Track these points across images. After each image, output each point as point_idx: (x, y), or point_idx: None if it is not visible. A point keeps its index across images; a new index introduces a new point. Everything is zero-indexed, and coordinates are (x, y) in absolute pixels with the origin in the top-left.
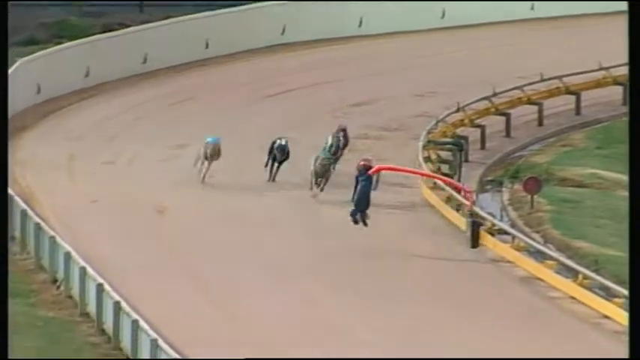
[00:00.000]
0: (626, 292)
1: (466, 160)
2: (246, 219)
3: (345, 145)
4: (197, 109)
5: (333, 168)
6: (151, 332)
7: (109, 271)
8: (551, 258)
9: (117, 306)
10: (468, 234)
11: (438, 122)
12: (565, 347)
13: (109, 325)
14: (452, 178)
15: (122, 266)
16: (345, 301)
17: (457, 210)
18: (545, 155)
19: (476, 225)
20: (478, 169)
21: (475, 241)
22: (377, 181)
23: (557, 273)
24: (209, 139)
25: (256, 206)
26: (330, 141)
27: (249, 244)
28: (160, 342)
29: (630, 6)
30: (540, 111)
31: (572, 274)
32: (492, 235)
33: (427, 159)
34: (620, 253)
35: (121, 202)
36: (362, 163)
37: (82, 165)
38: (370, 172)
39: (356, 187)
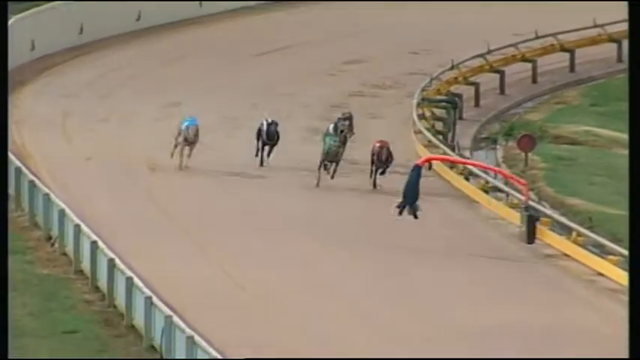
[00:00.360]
0: (620, 249)
1: (460, 118)
2: (239, 176)
3: (350, 131)
4: (191, 66)
5: (342, 153)
6: (145, 290)
7: (104, 229)
8: (546, 215)
9: (111, 263)
10: (524, 229)
11: (432, 80)
12: (558, 305)
13: (103, 282)
14: (446, 135)
15: (116, 224)
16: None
17: (451, 168)
18: (540, 113)
19: (532, 220)
20: (472, 127)
21: (531, 237)
22: (430, 168)
23: (551, 230)
24: (185, 122)
25: (251, 164)
26: (333, 126)
27: (243, 202)
28: (155, 299)
29: (630, 6)
30: (534, 68)
31: (566, 231)
32: (486, 192)
33: (421, 117)
34: (615, 210)
35: (115, 160)
36: (378, 145)
37: (77, 122)
38: (419, 162)
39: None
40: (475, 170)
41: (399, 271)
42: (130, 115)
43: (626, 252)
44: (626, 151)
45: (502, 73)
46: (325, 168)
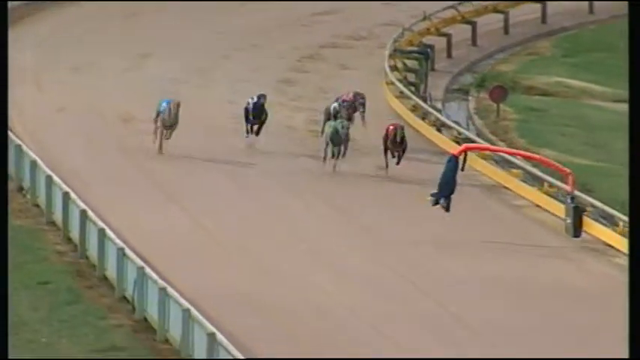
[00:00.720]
0: (590, 199)
1: (432, 69)
2: (213, 127)
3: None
4: (152, 20)
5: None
6: (117, 241)
7: (75, 180)
8: (517, 166)
9: (83, 214)
10: (569, 221)
11: (404, 31)
12: (530, 255)
13: (75, 233)
14: (418, 87)
15: (88, 175)
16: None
17: (423, 119)
18: (511, 64)
19: (578, 211)
20: (444, 78)
21: (578, 230)
22: (464, 162)
23: (523, 181)
24: (163, 103)
25: (223, 113)
26: (337, 108)
27: (214, 153)
28: (127, 251)
29: (630, 6)
30: (506, 20)
31: (537, 182)
32: (459, 144)
33: (393, 68)
34: (585, 160)
35: (87, 111)
36: (391, 127)
37: (49, 73)
38: (456, 152)
39: (385, 149)
40: (449, 122)
41: (376, 226)
42: (99, 67)
43: (595, 202)
44: (596, 102)
45: (474, 25)
46: (332, 154)
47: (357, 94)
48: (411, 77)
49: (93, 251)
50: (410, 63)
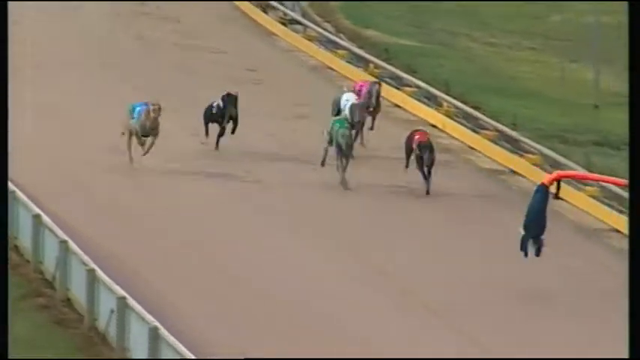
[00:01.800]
0: (415, 80)
1: None
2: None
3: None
4: None
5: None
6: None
7: None
8: (343, 47)
9: None
10: None
11: None
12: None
13: None
14: None
15: None
16: None
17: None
18: None
19: None
20: None
21: None
22: (558, 190)
23: (349, 62)
24: (137, 107)
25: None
26: (345, 106)
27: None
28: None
29: (630, 6)
30: None
31: (362, 63)
32: (285, 25)
33: None
34: (412, 42)
35: None
36: (416, 136)
37: None
38: (546, 180)
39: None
40: (274, 3)
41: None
42: None
43: (420, 83)
44: None
45: None
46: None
47: (372, 84)
48: None
49: None
50: None
